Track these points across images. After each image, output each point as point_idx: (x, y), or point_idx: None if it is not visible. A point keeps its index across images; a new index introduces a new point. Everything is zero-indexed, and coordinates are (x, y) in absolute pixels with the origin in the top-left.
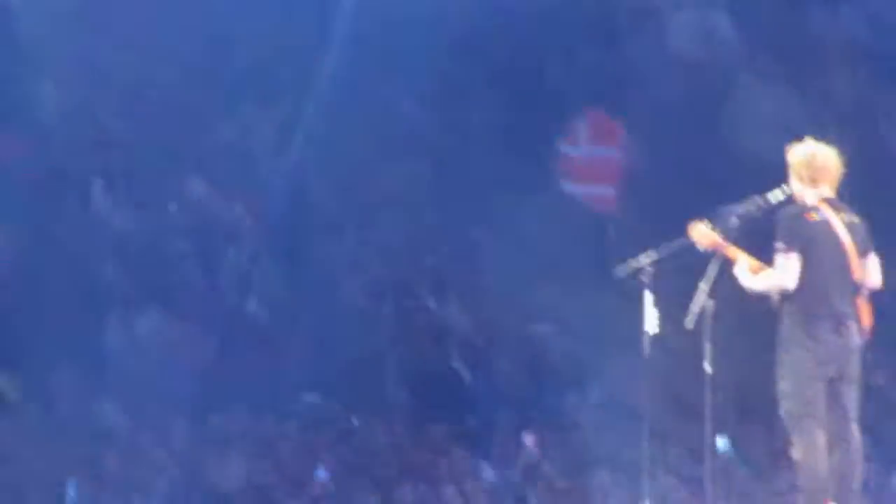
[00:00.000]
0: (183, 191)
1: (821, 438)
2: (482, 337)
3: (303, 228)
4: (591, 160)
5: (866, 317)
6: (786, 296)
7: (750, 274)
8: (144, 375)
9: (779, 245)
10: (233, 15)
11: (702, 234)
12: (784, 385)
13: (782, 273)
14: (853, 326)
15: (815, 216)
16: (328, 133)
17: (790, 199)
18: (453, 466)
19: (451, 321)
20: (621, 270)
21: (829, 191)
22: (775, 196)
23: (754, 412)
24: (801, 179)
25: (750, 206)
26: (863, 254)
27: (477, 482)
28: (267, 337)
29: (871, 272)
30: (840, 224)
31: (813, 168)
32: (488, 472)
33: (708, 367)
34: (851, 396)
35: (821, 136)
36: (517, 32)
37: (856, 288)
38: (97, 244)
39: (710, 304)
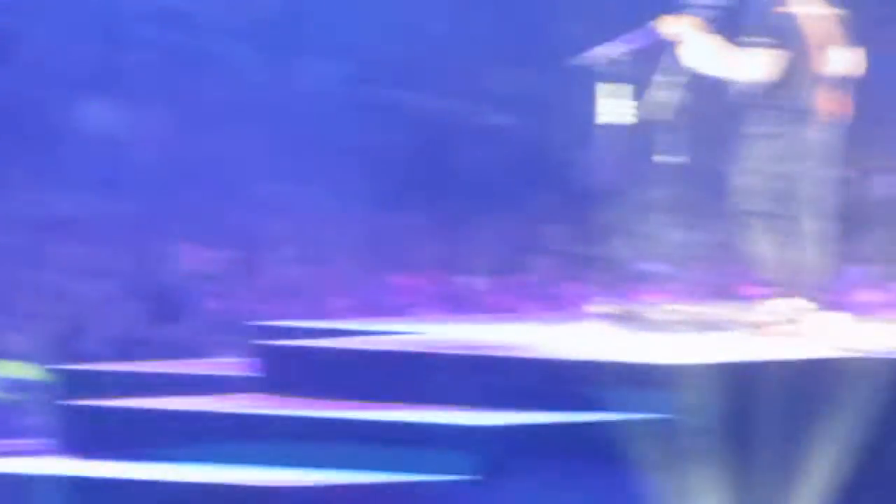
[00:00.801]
0: None
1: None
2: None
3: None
4: None
5: (831, 105)
6: (751, 87)
7: (711, 53)
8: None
9: (749, 39)
10: None
11: (673, 24)
12: (743, 181)
13: (761, 65)
14: (817, 122)
15: (781, 9)
16: None
17: None
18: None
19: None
20: (577, 60)
21: None
22: None
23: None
24: None
25: None
26: (827, 44)
27: None
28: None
29: (834, 62)
30: (809, 15)
31: None
32: None
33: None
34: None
35: None
36: None
37: (818, 80)
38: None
39: (664, 95)
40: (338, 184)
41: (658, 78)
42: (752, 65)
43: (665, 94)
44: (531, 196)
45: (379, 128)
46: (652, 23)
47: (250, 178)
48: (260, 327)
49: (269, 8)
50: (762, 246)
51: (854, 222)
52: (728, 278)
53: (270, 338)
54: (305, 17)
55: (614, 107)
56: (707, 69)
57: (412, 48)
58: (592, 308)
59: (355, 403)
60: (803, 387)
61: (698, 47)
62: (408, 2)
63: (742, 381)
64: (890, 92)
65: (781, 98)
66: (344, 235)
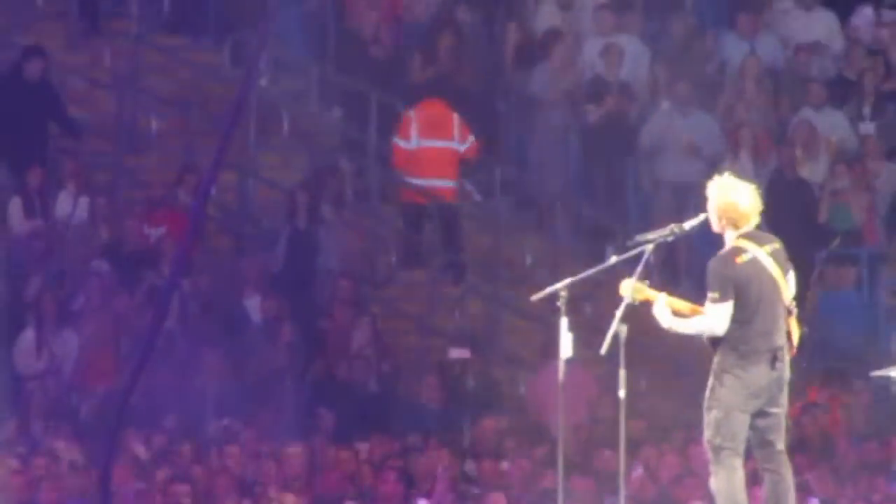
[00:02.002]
0: None
1: (740, 470)
2: (395, 359)
3: None
4: (425, 152)
5: (793, 334)
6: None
7: (673, 317)
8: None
9: (712, 295)
10: None
11: (629, 286)
12: (712, 415)
13: (714, 321)
14: (786, 359)
15: (743, 258)
16: None
17: (705, 225)
18: None
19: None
20: (537, 296)
21: (749, 227)
22: (691, 224)
23: (668, 439)
24: (720, 220)
25: (666, 233)
26: (787, 275)
27: None
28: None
29: (791, 289)
30: (766, 256)
31: (737, 214)
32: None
33: (622, 393)
34: (780, 426)
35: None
36: None
37: (787, 312)
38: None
39: (624, 329)
40: None
41: (617, 312)
42: (704, 322)
43: (623, 328)
44: None
45: None
46: (611, 257)
47: None
48: None
49: None
50: (723, 482)
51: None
52: None
53: None
54: None
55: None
56: (671, 326)
57: None
58: None
59: None
60: None
61: (660, 313)
62: None
63: None
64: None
65: (756, 343)
66: None
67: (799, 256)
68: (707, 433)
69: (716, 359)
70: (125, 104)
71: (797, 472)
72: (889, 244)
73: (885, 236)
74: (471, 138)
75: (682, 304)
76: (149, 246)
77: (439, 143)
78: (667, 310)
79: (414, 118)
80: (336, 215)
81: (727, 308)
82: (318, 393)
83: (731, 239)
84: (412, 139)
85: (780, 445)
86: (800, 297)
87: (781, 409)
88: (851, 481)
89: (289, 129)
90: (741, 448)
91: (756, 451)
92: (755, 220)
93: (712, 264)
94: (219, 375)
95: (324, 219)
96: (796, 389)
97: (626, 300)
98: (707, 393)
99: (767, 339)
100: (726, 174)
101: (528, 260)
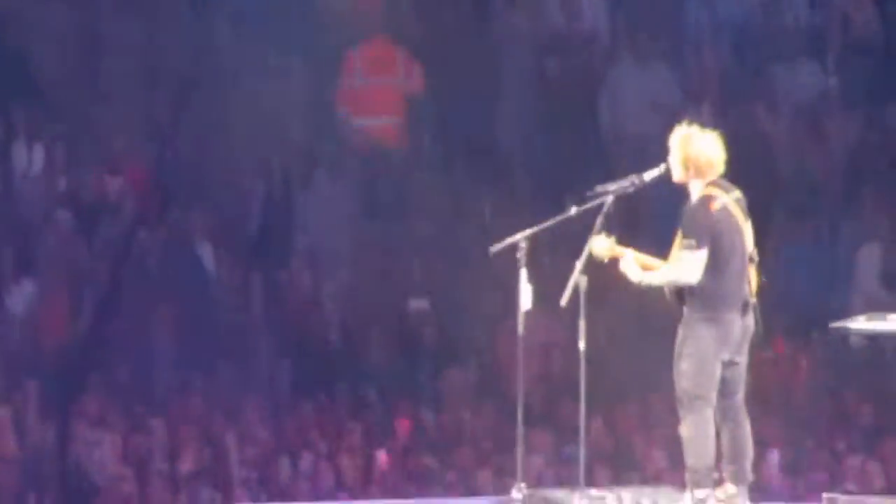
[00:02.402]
0: None
1: (711, 419)
2: (354, 311)
3: None
4: (370, 90)
5: (755, 283)
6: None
7: (641, 270)
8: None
9: (689, 241)
10: None
11: (602, 247)
12: (684, 365)
13: (690, 269)
14: (753, 308)
15: (716, 205)
16: None
17: (666, 177)
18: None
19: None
20: (496, 248)
21: (713, 176)
22: (650, 175)
23: (629, 391)
24: (686, 169)
25: (626, 184)
26: (747, 223)
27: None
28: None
29: (751, 238)
30: (733, 204)
31: (704, 162)
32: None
33: (582, 345)
34: (743, 377)
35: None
36: None
37: (749, 259)
38: None
39: (584, 281)
40: None
41: (577, 264)
42: (678, 270)
43: (583, 280)
44: None
45: None
46: (571, 208)
47: None
48: None
49: None
50: (694, 429)
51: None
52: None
53: None
54: None
55: (530, 292)
56: (641, 279)
57: None
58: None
59: None
60: None
61: (629, 268)
62: None
63: None
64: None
65: (727, 293)
66: None
67: (757, 209)
68: (682, 383)
69: (686, 309)
70: (83, 55)
71: (756, 423)
72: (847, 199)
73: (843, 190)
74: (417, 73)
75: (650, 260)
76: (107, 196)
77: (384, 81)
78: (635, 264)
79: (357, 56)
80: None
81: (703, 255)
82: (278, 345)
83: (697, 188)
84: (356, 78)
85: (741, 396)
86: (758, 248)
87: (745, 359)
88: (811, 432)
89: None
90: (713, 397)
91: (718, 401)
92: (720, 168)
93: (689, 211)
94: (176, 328)
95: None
96: (757, 341)
97: (597, 257)
98: (678, 343)
99: (739, 287)
100: (690, 124)
101: (487, 212)
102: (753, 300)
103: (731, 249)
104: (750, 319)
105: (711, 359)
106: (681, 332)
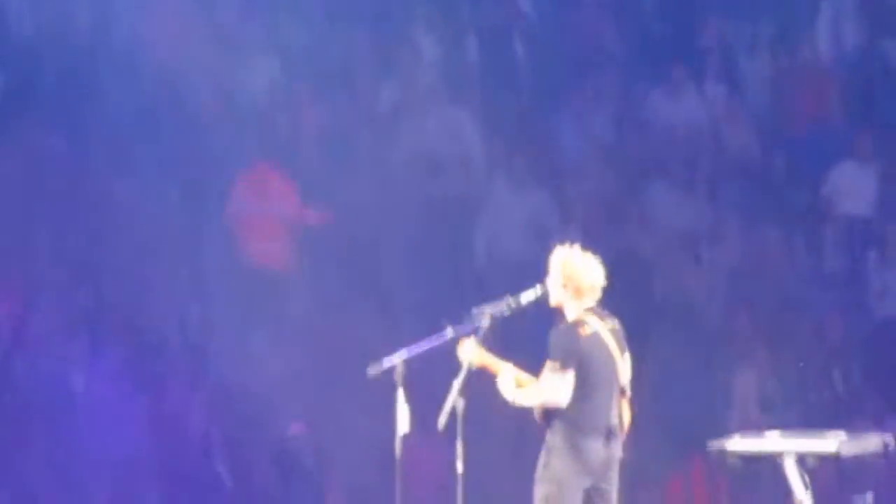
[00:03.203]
0: None
1: None
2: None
3: None
4: (256, 216)
5: (627, 417)
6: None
7: (517, 389)
8: None
9: (553, 364)
10: None
11: (471, 351)
12: (542, 489)
13: (556, 391)
14: (620, 437)
15: (587, 330)
16: None
17: (543, 299)
18: None
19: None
20: (373, 369)
21: (591, 301)
22: (527, 297)
23: None
24: (565, 290)
25: (502, 306)
26: (623, 355)
27: None
28: None
29: (627, 371)
30: (607, 333)
31: (582, 285)
32: None
33: (460, 467)
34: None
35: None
36: None
37: (621, 392)
38: None
39: (462, 403)
40: None
41: (455, 385)
42: (545, 391)
43: (460, 402)
44: None
45: None
46: (447, 328)
47: None
48: None
49: None
50: None
51: None
52: None
53: None
54: None
55: (407, 414)
56: (514, 399)
57: None
58: None
59: None
60: None
61: (504, 385)
62: None
63: None
64: None
65: (591, 419)
66: None
67: (633, 333)
68: None
69: (549, 433)
70: None
71: None
72: (725, 321)
73: (722, 313)
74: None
75: (527, 377)
76: None
77: (267, 210)
78: (512, 382)
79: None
80: None
81: (569, 378)
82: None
83: (572, 311)
84: (240, 203)
85: None
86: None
87: (613, 487)
88: None
89: None
90: None
91: None
92: (597, 294)
93: (556, 333)
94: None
95: None
96: (652, 471)
97: (465, 365)
98: (539, 467)
99: (604, 416)
100: (571, 245)
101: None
102: (622, 434)
103: (598, 377)
104: (617, 447)
105: (572, 487)
106: (542, 456)
